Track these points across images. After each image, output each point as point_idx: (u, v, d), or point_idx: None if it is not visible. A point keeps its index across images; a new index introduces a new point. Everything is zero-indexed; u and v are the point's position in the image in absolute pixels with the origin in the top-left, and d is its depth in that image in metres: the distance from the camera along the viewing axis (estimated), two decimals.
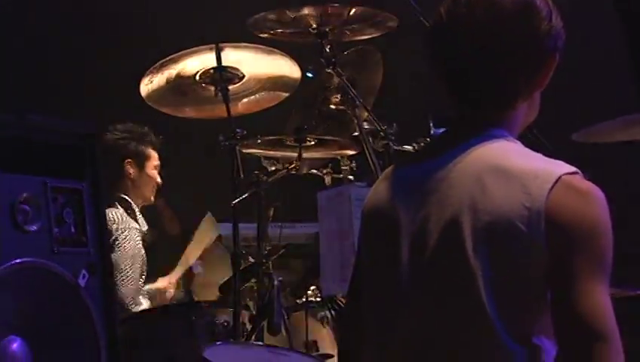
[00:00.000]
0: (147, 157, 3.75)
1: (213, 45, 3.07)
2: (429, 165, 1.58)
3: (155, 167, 3.78)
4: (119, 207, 3.67)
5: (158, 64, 3.15)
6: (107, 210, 3.50)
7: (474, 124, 1.58)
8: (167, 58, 3.14)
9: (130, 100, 3.32)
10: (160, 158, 3.81)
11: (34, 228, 2.29)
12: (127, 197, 3.70)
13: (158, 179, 3.80)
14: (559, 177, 1.47)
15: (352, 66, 3.14)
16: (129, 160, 3.72)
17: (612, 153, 3.07)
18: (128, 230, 3.60)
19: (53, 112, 2.50)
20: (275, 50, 3.17)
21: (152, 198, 3.81)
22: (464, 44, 1.55)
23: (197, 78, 3.13)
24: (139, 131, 3.74)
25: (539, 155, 1.54)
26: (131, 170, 3.73)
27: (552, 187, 1.46)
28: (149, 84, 3.18)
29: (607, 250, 1.46)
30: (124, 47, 4.26)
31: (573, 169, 1.50)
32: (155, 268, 3.78)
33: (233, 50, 3.12)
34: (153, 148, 3.77)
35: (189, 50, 3.12)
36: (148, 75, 3.17)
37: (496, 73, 1.55)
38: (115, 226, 3.55)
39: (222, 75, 3.09)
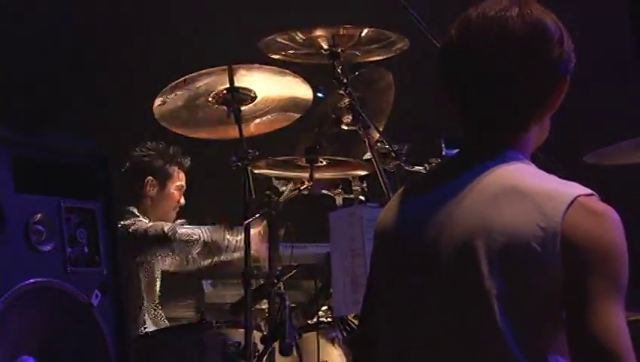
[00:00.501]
0: (170, 177, 3.72)
1: (226, 67, 3.08)
2: (444, 187, 1.58)
3: (178, 188, 3.74)
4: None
5: (170, 85, 3.17)
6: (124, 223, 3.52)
7: (487, 146, 1.58)
8: (180, 79, 3.16)
9: (144, 121, 3.34)
10: (187, 181, 3.77)
11: (47, 248, 2.31)
12: (140, 217, 3.68)
13: (181, 200, 3.76)
14: (575, 198, 1.48)
15: (363, 87, 3.15)
16: (150, 178, 3.69)
17: (624, 175, 3.07)
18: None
19: (67, 133, 2.51)
20: (287, 71, 3.18)
21: (171, 220, 3.75)
22: (476, 67, 1.55)
23: (209, 99, 3.15)
24: (167, 151, 3.71)
25: (553, 177, 1.55)
26: (152, 189, 3.70)
27: (568, 208, 1.47)
28: (162, 105, 3.20)
29: (622, 272, 1.47)
30: (138, 68, 4.29)
31: (588, 191, 1.50)
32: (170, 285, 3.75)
33: (246, 71, 3.13)
34: (180, 169, 3.74)
35: (201, 72, 3.14)
36: (161, 95, 3.18)
37: (508, 97, 1.55)
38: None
39: (234, 96, 3.11)
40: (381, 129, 3.09)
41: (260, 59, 3.14)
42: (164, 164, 3.72)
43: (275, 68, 3.17)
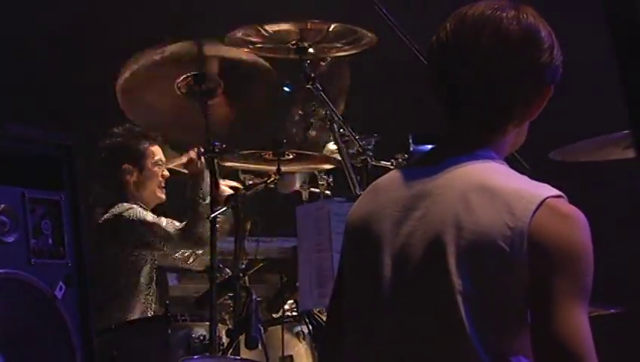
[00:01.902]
0: (145, 155, 3.60)
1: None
2: (415, 181, 1.59)
3: (157, 163, 3.63)
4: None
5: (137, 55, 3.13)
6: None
7: (463, 143, 1.59)
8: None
9: (110, 112, 3.30)
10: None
11: (11, 239, 2.28)
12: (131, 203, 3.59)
13: (165, 172, 3.65)
14: (544, 200, 1.49)
15: (323, 78, 3.13)
16: (126, 165, 3.59)
17: (588, 172, 3.11)
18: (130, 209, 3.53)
19: (32, 123, 2.48)
20: None
21: (162, 195, 3.65)
22: (467, 65, 1.55)
23: (176, 86, 3.13)
24: (133, 130, 3.58)
25: (524, 177, 1.56)
26: (131, 176, 3.60)
27: (536, 209, 1.48)
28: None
29: (587, 274, 1.48)
30: (104, 59, 4.24)
31: (557, 192, 1.51)
32: None
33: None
34: (153, 144, 3.61)
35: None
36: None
37: (494, 98, 1.56)
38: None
39: (201, 87, 3.09)
40: (340, 115, 3.07)
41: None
42: (135, 145, 3.60)
43: None
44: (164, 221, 3.49)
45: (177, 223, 3.48)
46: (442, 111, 1.61)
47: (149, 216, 3.51)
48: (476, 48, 1.54)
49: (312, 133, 3.11)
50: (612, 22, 0.83)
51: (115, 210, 3.51)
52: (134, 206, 3.54)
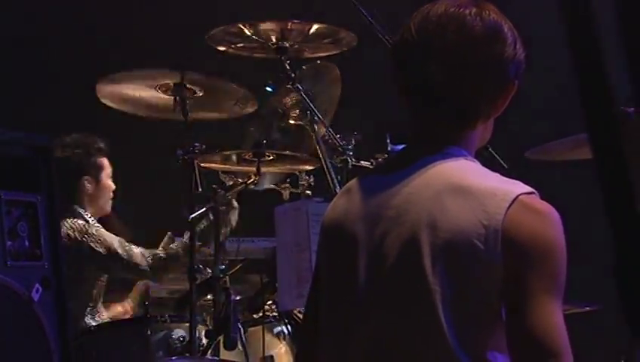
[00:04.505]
0: (101, 168, 3.68)
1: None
2: (388, 181, 1.59)
3: (109, 175, 3.72)
4: (76, 218, 3.60)
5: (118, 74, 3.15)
6: (67, 221, 3.46)
7: (433, 141, 1.59)
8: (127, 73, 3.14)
9: (85, 112, 3.30)
10: (110, 163, 3.74)
11: None
12: (82, 211, 3.63)
13: (113, 187, 3.74)
14: (516, 197, 1.49)
15: (310, 81, 3.15)
16: (86, 176, 3.65)
17: (564, 171, 3.12)
18: (97, 228, 3.55)
19: (7, 124, 2.46)
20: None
21: (109, 208, 3.73)
22: (432, 62, 1.56)
23: (157, 88, 3.14)
24: (88, 142, 3.66)
25: (497, 175, 1.56)
26: (89, 186, 3.66)
27: (510, 206, 1.48)
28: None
29: (561, 270, 1.49)
30: (80, 57, 4.23)
31: (530, 189, 1.52)
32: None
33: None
34: (105, 156, 3.70)
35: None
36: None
37: (461, 93, 1.57)
38: (80, 234, 3.49)
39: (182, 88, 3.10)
40: (328, 123, 3.09)
41: (208, 50, 3.12)
42: (91, 157, 3.66)
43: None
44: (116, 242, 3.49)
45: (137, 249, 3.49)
46: (410, 110, 1.61)
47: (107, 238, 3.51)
48: (442, 45, 1.55)
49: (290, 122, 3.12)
50: (570, 25, 0.83)
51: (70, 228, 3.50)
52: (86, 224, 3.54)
